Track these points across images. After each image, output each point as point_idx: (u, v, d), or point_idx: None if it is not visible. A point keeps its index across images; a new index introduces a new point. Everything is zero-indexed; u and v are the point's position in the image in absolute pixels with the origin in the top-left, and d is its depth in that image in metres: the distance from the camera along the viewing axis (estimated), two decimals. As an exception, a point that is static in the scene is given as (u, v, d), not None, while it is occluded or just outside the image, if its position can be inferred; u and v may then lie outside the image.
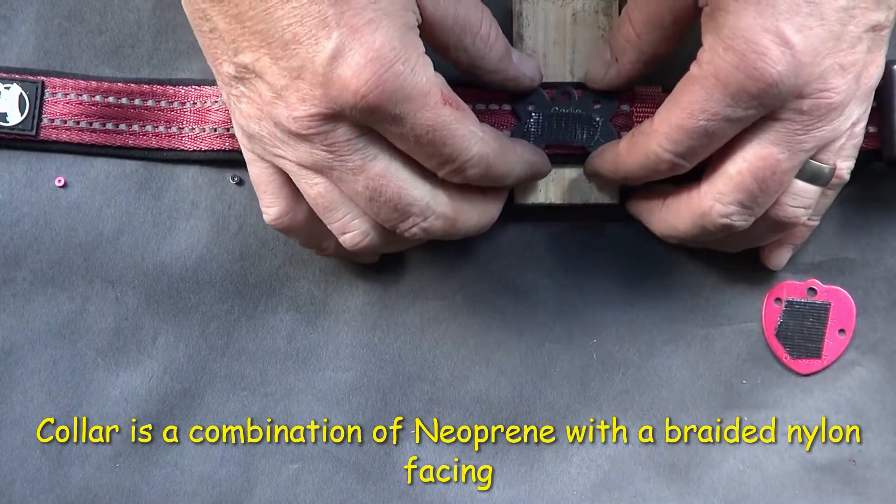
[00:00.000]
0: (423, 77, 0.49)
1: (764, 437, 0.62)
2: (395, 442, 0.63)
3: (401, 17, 0.48)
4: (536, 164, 0.56)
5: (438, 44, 0.53)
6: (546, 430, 0.63)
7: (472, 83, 0.59)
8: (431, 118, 0.49)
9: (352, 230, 0.53)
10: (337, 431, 0.63)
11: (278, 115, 0.50)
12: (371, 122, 0.49)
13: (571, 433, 0.63)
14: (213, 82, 0.61)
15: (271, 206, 0.55)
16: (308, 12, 0.47)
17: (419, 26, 0.51)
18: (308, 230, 0.56)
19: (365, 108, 0.48)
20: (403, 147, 0.50)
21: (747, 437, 0.62)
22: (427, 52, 0.50)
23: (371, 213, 0.52)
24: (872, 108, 0.56)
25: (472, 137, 0.51)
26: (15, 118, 0.62)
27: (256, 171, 0.55)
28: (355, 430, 0.63)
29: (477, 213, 0.55)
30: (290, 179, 0.54)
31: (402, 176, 0.51)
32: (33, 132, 0.62)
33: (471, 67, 0.55)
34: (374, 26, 0.47)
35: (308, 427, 0.63)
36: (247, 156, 0.55)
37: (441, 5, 0.51)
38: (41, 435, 0.63)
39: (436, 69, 0.50)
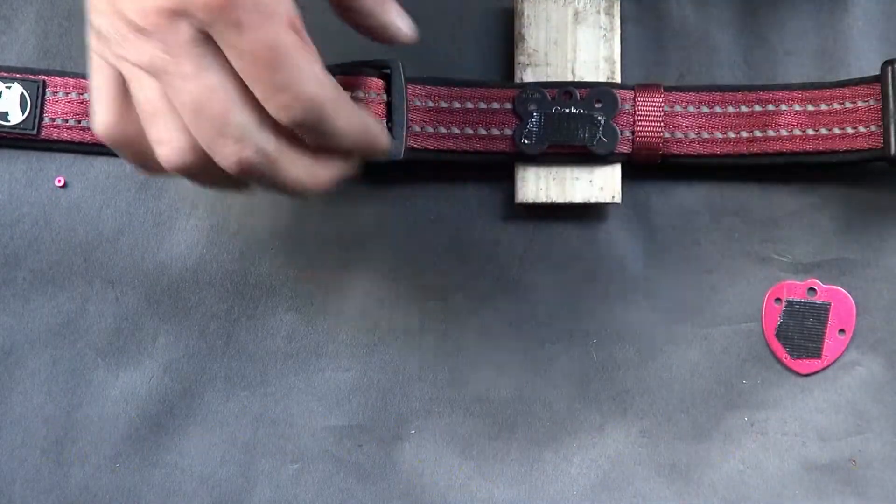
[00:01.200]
0: None
1: (764, 437, 0.62)
2: (395, 442, 0.63)
3: None
4: (372, 132, 0.54)
5: None
6: (546, 431, 0.63)
7: (472, 82, 0.59)
8: (272, 36, 0.47)
9: (169, 142, 0.51)
10: (337, 431, 0.63)
11: (126, 7, 0.48)
12: (213, 25, 0.48)
13: (571, 433, 0.63)
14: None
15: (103, 115, 0.52)
16: None
17: None
18: (136, 146, 0.53)
19: (209, 7, 0.47)
20: (238, 64, 0.48)
21: (747, 437, 0.62)
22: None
23: (193, 128, 0.50)
24: (872, 108, 0.56)
25: (310, 73, 0.49)
26: (16, 117, 0.62)
27: (98, 77, 0.52)
28: (355, 430, 0.63)
29: (302, 167, 0.52)
30: (126, 92, 0.52)
31: (232, 96, 0.49)
32: (34, 131, 0.62)
33: (347, 8, 0.53)
34: None
35: (308, 427, 0.63)
36: (92, 62, 0.52)
37: None
38: (41, 435, 0.63)
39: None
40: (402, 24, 0.55)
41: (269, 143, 0.50)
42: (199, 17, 0.47)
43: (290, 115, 0.49)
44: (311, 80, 0.49)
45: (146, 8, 0.48)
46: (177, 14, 0.48)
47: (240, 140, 0.49)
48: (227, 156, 0.50)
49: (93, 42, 0.52)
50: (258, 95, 0.49)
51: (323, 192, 0.53)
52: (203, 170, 0.51)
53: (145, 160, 0.54)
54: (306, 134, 0.50)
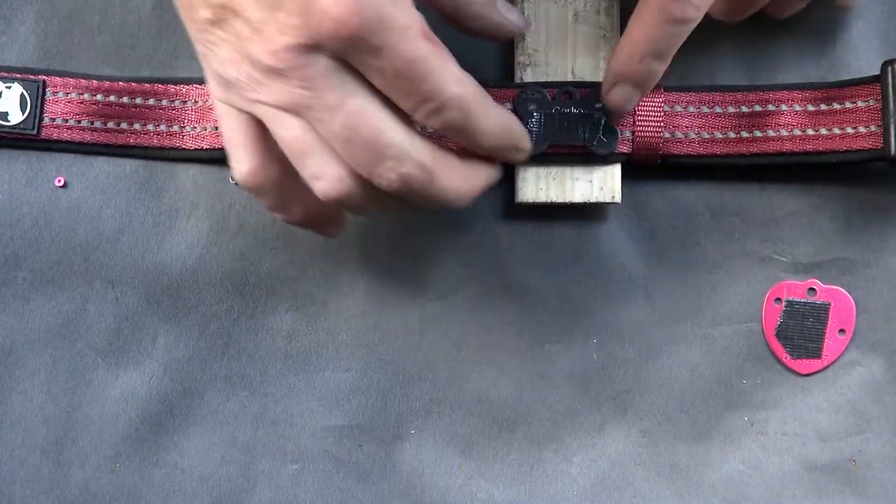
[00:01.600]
0: (404, 8, 0.48)
1: (764, 437, 0.62)
2: (395, 442, 0.63)
3: None
4: (515, 130, 0.55)
5: None
6: (546, 431, 0.63)
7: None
8: (411, 50, 0.48)
9: (326, 176, 0.51)
10: (337, 431, 0.63)
11: (255, 51, 0.48)
12: (350, 53, 0.48)
13: (571, 433, 0.63)
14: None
15: (243, 162, 0.53)
16: None
17: None
18: (278, 190, 0.54)
19: (344, 37, 0.47)
20: (382, 84, 0.49)
21: (747, 437, 0.62)
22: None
23: (347, 156, 0.50)
24: (872, 108, 0.56)
25: (452, 76, 0.50)
26: (16, 117, 0.62)
27: (230, 124, 0.53)
28: (355, 430, 0.63)
29: (457, 175, 0.53)
30: (264, 135, 0.52)
31: (381, 116, 0.50)
32: (34, 131, 0.62)
33: (454, 15, 0.55)
34: None
35: (308, 427, 0.63)
36: (220, 110, 0.53)
37: None
38: (41, 435, 0.63)
39: None
40: (512, 16, 0.57)
41: (425, 156, 0.51)
42: (333, 48, 0.48)
43: (440, 120, 0.50)
44: (455, 82, 0.50)
45: (277, 49, 0.48)
46: (310, 49, 0.48)
47: (397, 157, 0.50)
48: (387, 176, 0.50)
49: (218, 91, 0.52)
50: (406, 108, 0.50)
51: (471, 201, 0.55)
52: (363, 196, 0.52)
53: (287, 204, 0.55)
54: (456, 136, 0.52)
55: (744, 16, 0.59)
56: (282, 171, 0.53)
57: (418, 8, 0.49)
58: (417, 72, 0.48)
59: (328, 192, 0.52)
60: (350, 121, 0.49)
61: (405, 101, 0.49)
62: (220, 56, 0.50)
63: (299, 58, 0.48)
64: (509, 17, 0.57)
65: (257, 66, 0.49)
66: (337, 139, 0.50)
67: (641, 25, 0.53)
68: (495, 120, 0.53)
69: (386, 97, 0.50)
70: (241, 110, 0.52)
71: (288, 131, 0.50)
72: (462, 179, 0.54)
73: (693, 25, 0.53)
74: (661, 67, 0.55)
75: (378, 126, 0.49)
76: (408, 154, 0.50)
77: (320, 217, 0.56)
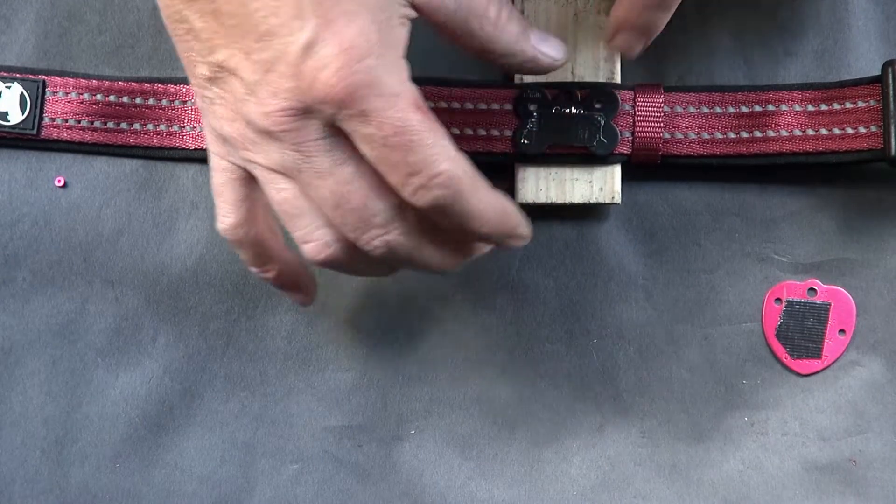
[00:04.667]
0: (397, 77, 0.48)
1: (764, 437, 0.62)
2: (395, 442, 0.63)
3: (383, 10, 0.48)
4: (511, 215, 0.52)
5: (443, 31, 0.52)
6: (546, 431, 0.63)
7: (472, 83, 0.59)
8: (400, 119, 0.48)
9: (315, 239, 0.52)
10: (337, 431, 0.63)
11: (250, 112, 0.49)
12: (341, 119, 0.48)
13: (571, 433, 0.63)
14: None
15: (228, 216, 0.54)
16: (284, 3, 0.47)
17: (414, 19, 0.50)
18: (257, 248, 0.55)
19: (334, 101, 0.47)
20: (371, 152, 0.49)
21: (747, 437, 0.62)
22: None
23: (336, 221, 0.51)
24: (872, 108, 0.56)
25: (443, 152, 0.49)
26: (16, 117, 0.62)
27: (222, 178, 0.53)
28: (355, 430, 0.63)
29: (440, 252, 0.53)
30: (252, 195, 0.53)
31: (371, 184, 0.50)
32: (34, 131, 0.62)
33: (483, 52, 0.53)
34: (351, 18, 0.47)
35: (308, 427, 0.63)
36: (213, 163, 0.54)
37: None
38: (41, 435, 0.63)
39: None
40: (547, 49, 0.54)
41: (412, 226, 0.51)
42: (325, 113, 0.48)
43: (426, 198, 0.49)
44: (444, 159, 0.49)
45: (271, 112, 0.48)
46: (303, 113, 0.48)
47: (383, 226, 0.50)
48: (373, 244, 0.51)
49: (214, 146, 0.53)
50: (392, 182, 0.49)
51: (460, 268, 0.55)
52: (350, 259, 0.53)
53: (264, 262, 0.56)
54: (447, 219, 0.50)
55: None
56: (263, 232, 0.54)
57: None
58: (405, 142, 0.48)
59: (316, 256, 0.52)
60: (339, 187, 0.49)
61: (393, 173, 0.49)
62: (217, 113, 0.51)
63: (291, 121, 0.48)
64: (543, 48, 0.54)
65: (251, 126, 0.49)
66: (326, 204, 0.50)
67: None
68: (489, 202, 0.51)
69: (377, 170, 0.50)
70: (235, 165, 0.52)
71: (279, 193, 0.51)
72: (445, 254, 0.53)
73: None
74: (663, 16, 0.54)
75: (367, 194, 0.50)
76: (395, 222, 0.50)
77: (293, 281, 0.58)
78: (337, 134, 0.49)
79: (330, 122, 0.48)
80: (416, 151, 0.48)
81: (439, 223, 0.51)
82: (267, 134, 0.49)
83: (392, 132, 0.48)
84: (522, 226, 0.53)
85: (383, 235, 0.51)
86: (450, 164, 0.49)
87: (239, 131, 0.50)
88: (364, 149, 0.49)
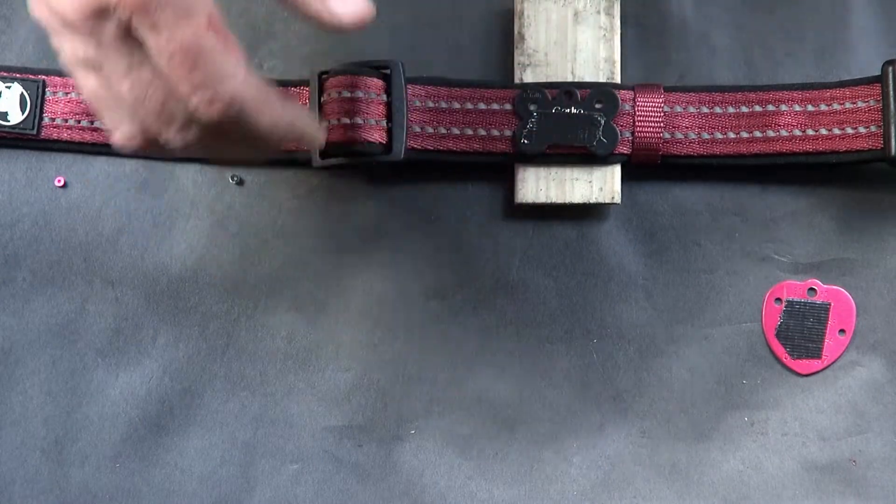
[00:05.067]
0: None
1: (764, 437, 0.62)
2: (395, 442, 0.63)
3: None
4: (300, 127, 0.53)
5: None
6: (546, 431, 0.63)
7: (472, 83, 0.59)
8: (189, 37, 0.47)
9: (121, 131, 0.52)
10: (337, 431, 0.63)
11: (55, 2, 0.49)
12: (135, 24, 0.48)
13: (571, 433, 0.63)
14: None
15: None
16: None
17: None
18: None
19: (128, 6, 0.47)
20: (159, 62, 0.48)
21: (747, 437, 0.62)
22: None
23: (137, 117, 0.50)
24: (872, 108, 0.56)
25: (230, 74, 0.49)
26: (16, 117, 0.62)
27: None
28: (355, 430, 0.63)
29: (240, 148, 0.53)
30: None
31: (168, 88, 0.49)
32: (34, 131, 0.62)
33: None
34: None
35: (308, 427, 0.63)
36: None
37: None
38: (41, 435, 0.63)
39: None
40: (342, 8, 0.52)
41: (210, 124, 0.50)
42: (121, 15, 0.47)
43: (209, 112, 0.49)
44: (230, 79, 0.49)
45: (73, 5, 0.48)
46: (101, 12, 0.48)
47: (182, 127, 0.50)
48: (172, 141, 0.51)
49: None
50: (182, 93, 0.49)
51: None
52: (158, 149, 0.52)
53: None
54: (232, 128, 0.50)
55: None
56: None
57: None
58: (191, 58, 0.48)
59: (122, 144, 0.52)
60: (137, 88, 0.49)
61: (179, 85, 0.49)
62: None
63: (92, 18, 0.48)
64: (338, 8, 0.52)
65: (58, 17, 0.49)
66: (125, 101, 0.50)
67: None
68: (276, 117, 0.51)
69: None
70: None
71: (85, 83, 0.51)
72: (248, 145, 0.53)
73: None
74: None
75: (163, 96, 0.49)
76: (193, 124, 0.50)
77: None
78: (135, 38, 0.48)
79: (126, 25, 0.48)
80: (200, 69, 0.48)
81: (230, 130, 0.51)
82: (71, 26, 0.49)
83: (178, 47, 0.47)
84: (314, 135, 0.54)
85: (182, 134, 0.50)
86: (235, 84, 0.49)
87: (47, 19, 0.50)
88: (154, 56, 0.48)
